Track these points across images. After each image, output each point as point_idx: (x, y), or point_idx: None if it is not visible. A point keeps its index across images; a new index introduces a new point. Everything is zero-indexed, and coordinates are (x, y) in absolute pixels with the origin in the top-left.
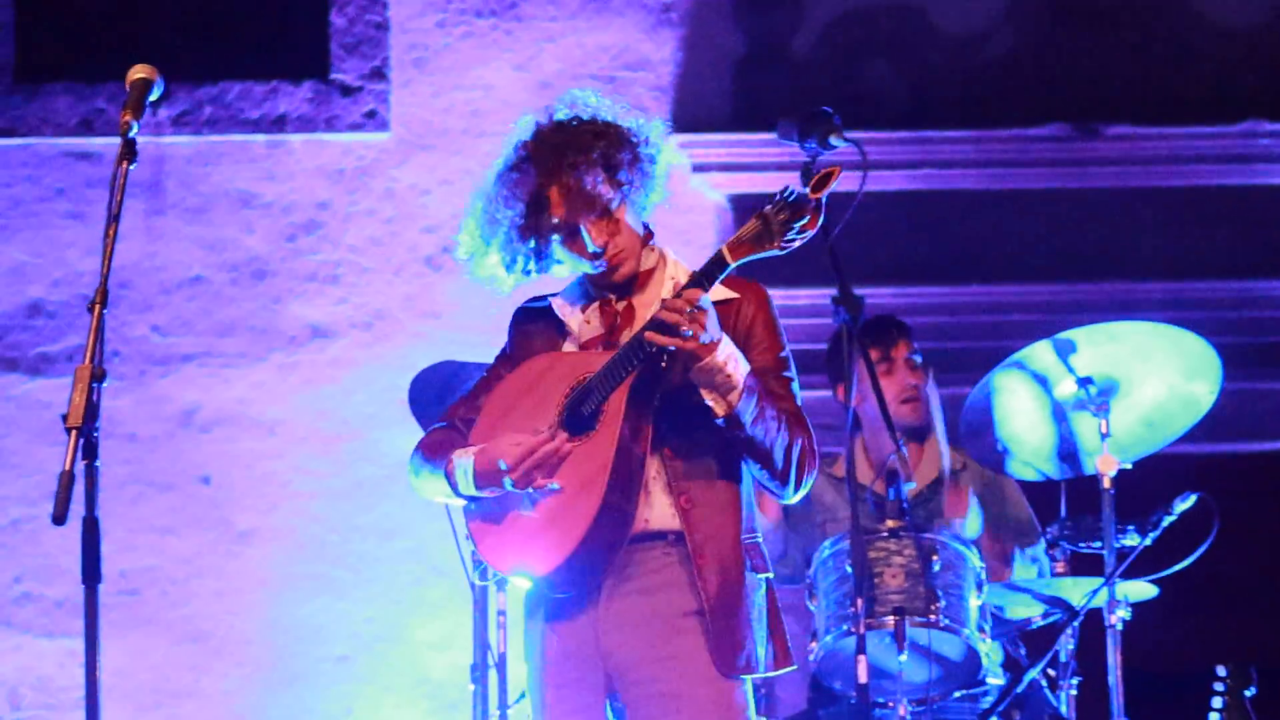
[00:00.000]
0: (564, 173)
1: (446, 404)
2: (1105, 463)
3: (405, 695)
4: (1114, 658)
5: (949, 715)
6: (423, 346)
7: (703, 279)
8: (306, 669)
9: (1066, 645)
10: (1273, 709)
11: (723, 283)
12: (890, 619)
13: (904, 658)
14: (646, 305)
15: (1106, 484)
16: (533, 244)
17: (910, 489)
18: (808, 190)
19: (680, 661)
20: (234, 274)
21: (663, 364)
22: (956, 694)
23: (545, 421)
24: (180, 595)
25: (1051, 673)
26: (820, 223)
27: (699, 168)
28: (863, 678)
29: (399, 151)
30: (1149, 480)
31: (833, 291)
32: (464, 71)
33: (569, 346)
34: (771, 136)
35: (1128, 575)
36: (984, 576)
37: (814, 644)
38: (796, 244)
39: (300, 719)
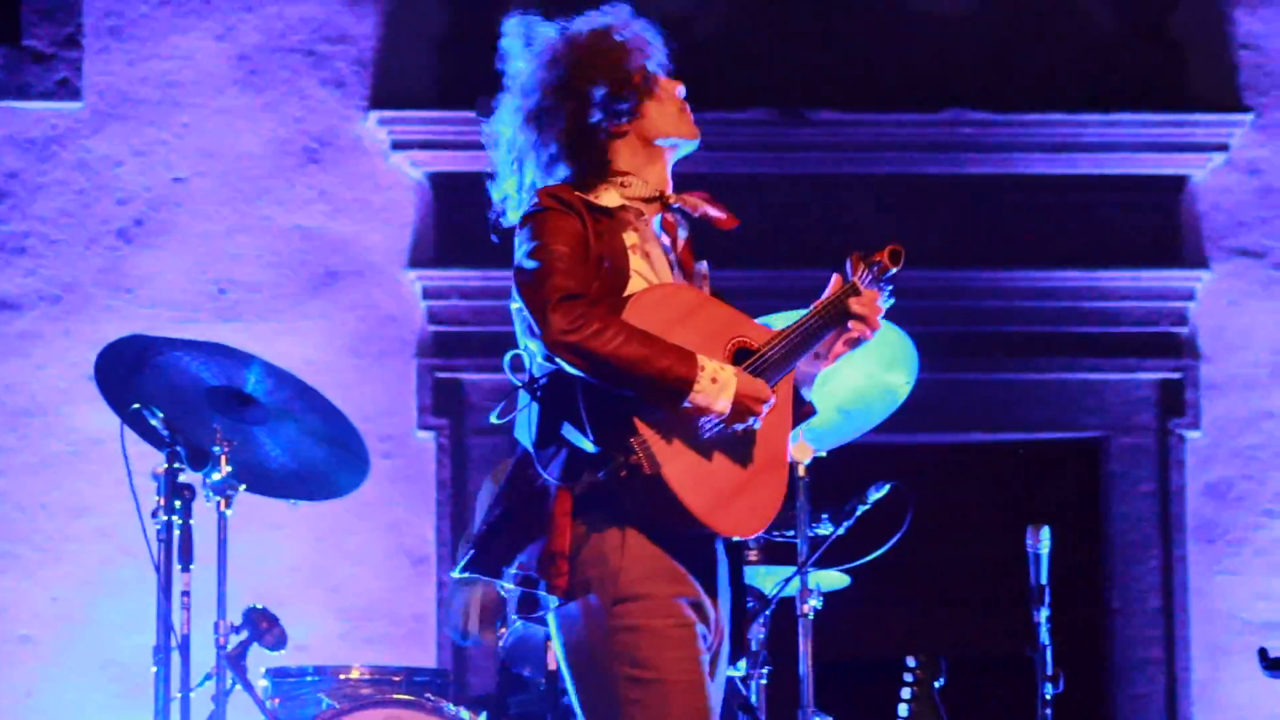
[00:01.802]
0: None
1: (135, 380)
2: (800, 450)
3: (90, 677)
4: (805, 647)
5: None
6: (114, 320)
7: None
8: None
9: (758, 634)
10: (961, 700)
11: None
12: None
13: None
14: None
15: (801, 472)
16: (637, 87)
17: None
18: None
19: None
20: None
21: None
22: None
23: None
24: None
25: (742, 662)
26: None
27: (399, 145)
28: (553, 664)
29: (92, 121)
30: (844, 469)
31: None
32: (161, 40)
33: (642, 264)
34: (473, 115)
35: (820, 564)
36: None
37: (503, 629)
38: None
39: None
